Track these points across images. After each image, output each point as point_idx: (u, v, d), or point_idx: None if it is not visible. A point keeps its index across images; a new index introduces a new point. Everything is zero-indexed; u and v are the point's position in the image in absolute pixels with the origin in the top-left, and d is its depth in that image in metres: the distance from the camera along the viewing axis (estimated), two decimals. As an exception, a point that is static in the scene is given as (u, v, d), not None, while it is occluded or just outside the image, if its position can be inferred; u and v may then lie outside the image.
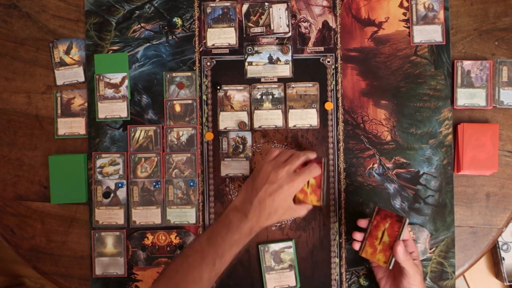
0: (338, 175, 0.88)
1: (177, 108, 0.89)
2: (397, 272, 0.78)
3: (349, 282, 0.87)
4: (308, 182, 0.79)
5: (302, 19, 0.90)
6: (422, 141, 0.88)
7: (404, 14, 0.89)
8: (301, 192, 0.79)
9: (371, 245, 0.79)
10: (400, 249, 0.74)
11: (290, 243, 0.87)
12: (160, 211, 0.88)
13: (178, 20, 0.90)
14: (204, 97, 0.89)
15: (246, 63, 0.89)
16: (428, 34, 0.89)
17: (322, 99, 0.89)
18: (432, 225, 0.87)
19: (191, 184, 0.88)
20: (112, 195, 0.88)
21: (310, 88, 0.89)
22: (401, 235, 0.76)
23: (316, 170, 0.78)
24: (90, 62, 0.90)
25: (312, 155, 0.80)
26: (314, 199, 0.80)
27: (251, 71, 0.89)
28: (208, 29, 0.90)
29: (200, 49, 0.90)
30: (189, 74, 0.89)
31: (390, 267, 0.76)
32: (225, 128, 0.89)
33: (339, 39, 0.89)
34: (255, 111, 0.89)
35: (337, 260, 0.87)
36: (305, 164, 0.79)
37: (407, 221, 0.76)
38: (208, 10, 0.90)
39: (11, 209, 0.89)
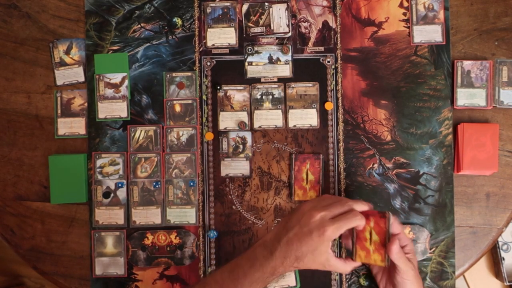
0: (338, 175, 0.88)
1: (177, 108, 0.89)
2: (391, 267, 0.76)
3: (349, 282, 0.87)
4: (371, 238, 0.73)
5: (302, 19, 0.90)
6: (422, 141, 0.88)
7: (404, 14, 0.89)
8: (362, 249, 0.75)
9: (363, 248, 0.75)
10: (394, 248, 0.71)
11: (290, 243, 0.87)
12: (160, 211, 0.88)
13: (178, 20, 0.90)
14: (204, 97, 0.89)
15: (246, 63, 0.89)
16: (428, 34, 0.89)
17: (322, 99, 0.89)
18: (432, 225, 0.87)
19: (191, 184, 0.88)
20: (112, 195, 0.88)
21: (310, 88, 0.89)
22: (389, 230, 0.73)
23: (356, 220, 0.71)
24: (90, 62, 0.90)
25: (363, 207, 0.73)
26: (378, 259, 0.74)
27: (251, 71, 0.89)
28: (208, 29, 0.90)
29: (200, 49, 0.90)
30: (189, 74, 0.89)
31: (388, 264, 0.74)
32: (225, 128, 0.89)
33: (339, 39, 0.89)
34: (255, 111, 0.89)
35: (337, 260, 0.87)
36: None
37: (390, 215, 0.73)
38: (208, 10, 0.90)
39: (11, 209, 0.89)
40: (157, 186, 0.88)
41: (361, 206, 0.74)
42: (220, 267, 0.76)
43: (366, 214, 0.74)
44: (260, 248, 0.73)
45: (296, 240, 0.70)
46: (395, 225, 0.74)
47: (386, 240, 0.73)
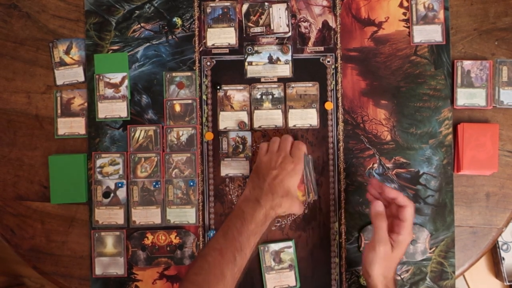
0: (338, 175, 0.88)
1: (177, 108, 0.89)
2: (398, 209, 0.77)
3: (349, 282, 0.87)
4: None
5: (302, 19, 0.90)
6: (422, 141, 0.88)
7: (404, 14, 0.89)
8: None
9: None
10: (377, 207, 0.76)
11: (290, 243, 0.87)
12: (160, 211, 0.88)
13: (178, 20, 0.90)
14: (204, 97, 0.89)
15: (246, 63, 0.89)
16: (428, 34, 0.89)
17: (322, 99, 0.89)
18: (432, 225, 0.87)
19: (191, 184, 0.88)
20: (112, 195, 0.88)
21: (310, 88, 0.89)
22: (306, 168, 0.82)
23: (301, 144, 0.81)
24: (90, 62, 0.90)
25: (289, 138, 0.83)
26: (299, 194, 0.83)
27: (251, 71, 0.89)
28: (208, 29, 0.90)
29: (200, 49, 0.90)
30: (189, 74, 0.89)
31: (309, 199, 0.85)
32: (225, 128, 0.89)
33: (339, 39, 0.89)
34: (255, 111, 0.89)
35: (337, 260, 0.87)
36: None
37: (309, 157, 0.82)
38: (208, 10, 0.90)
39: (11, 209, 0.89)
40: (157, 186, 0.88)
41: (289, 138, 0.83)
42: (213, 236, 0.78)
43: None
44: (244, 203, 0.76)
45: (275, 180, 0.77)
46: (387, 188, 0.78)
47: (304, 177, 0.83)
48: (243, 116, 0.89)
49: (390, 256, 0.75)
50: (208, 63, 0.90)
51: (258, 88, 0.89)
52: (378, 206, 0.76)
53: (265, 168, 0.79)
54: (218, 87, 0.89)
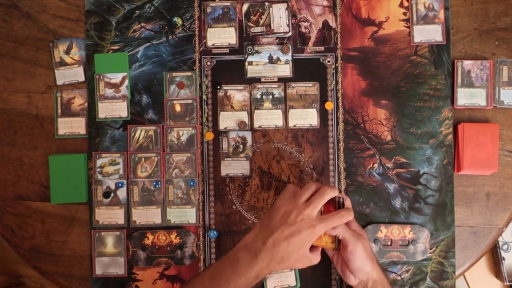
0: (338, 175, 0.88)
1: (177, 108, 0.89)
2: (342, 246, 0.76)
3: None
4: None
5: (302, 19, 0.90)
6: (422, 141, 0.88)
7: (404, 13, 0.89)
8: None
9: None
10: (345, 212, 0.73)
11: (290, 243, 0.87)
12: (160, 211, 0.88)
13: (178, 20, 0.90)
14: (204, 97, 0.89)
15: (246, 63, 0.89)
16: (428, 34, 0.89)
17: (322, 99, 0.89)
18: (432, 225, 0.87)
19: (191, 184, 0.88)
20: (112, 195, 0.88)
21: (310, 88, 0.89)
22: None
23: (345, 216, 0.72)
24: (90, 62, 0.90)
25: (335, 192, 0.74)
26: (328, 241, 0.75)
27: (251, 71, 0.89)
28: (208, 29, 0.90)
29: (200, 49, 0.90)
30: (189, 74, 0.89)
31: (338, 247, 0.75)
32: (225, 128, 0.89)
33: (339, 39, 0.89)
34: (255, 111, 0.89)
35: (337, 260, 0.87)
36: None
37: (341, 199, 0.75)
38: (208, 10, 0.90)
39: (11, 209, 0.89)
40: (157, 186, 0.88)
41: (334, 192, 0.74)
42: (200, 273, 0.74)
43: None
44: (242, 251, 0.70)
45: (283, 239, 0.68)
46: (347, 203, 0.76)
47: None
48: (243, 116, 0.89)
49: (368, 251, 0.76)
50: (208, 63, 0.90)
51: (258, 88, 0.89)
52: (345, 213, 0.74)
53: (281, 217, 0.70)
54: (218, 87, 0.89)
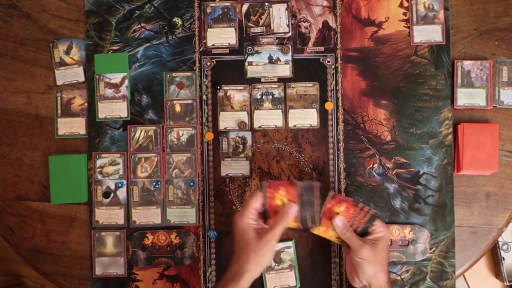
0: (338, 175, 0.88)
1: (177, 108, 0.89)
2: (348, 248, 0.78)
3: (349, 283, 0.87)
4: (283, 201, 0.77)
5: (302, 19, 0.90)
6: (422, 141, 0.88)
7: (404, 14, 0.89)
8: (324, 225, 0.78)
9: (325, 223, 0.78)
10: (338, 222, 0.76)
11: (290, 243, 0.87)
12: (160, 211, 0.88)
13: (178, 20, 0.90)
14: (204, 97, 0.89)
15: (246, 63, 0.89)
16: (428, 34, 0.89)
17: (322, 99, 0.89)
18: (432, 225, 0.87)
19: (191, 184, 0.88)
20: (112, 195, 0.88)
21: (310, 88, 0.89)
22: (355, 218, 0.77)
23: (286, 216, 0.75)
24: (90, 62, 0.90)
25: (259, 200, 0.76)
26: (333, 235, 0.79)
27: (251, 71, 0.89)
28: (208, 29, 0.90)
29: (200, 49, 0.90)
30: (189, 74, 0.89)
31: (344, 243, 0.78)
32: (225, 128, 0.89)
33: (339, 39, 0.89)
34: (255, 111, 0.89)
35: (337, 260, 0.87)
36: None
37: (362, 206, 0.77)
38: (208, 10, 0.90)
39: (11, 209, 0.89)
40: (157, 186, 0.88)
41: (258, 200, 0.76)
42: None
43: (339, 199, 0.78)
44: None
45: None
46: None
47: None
48: (243, 116, 0.89)
49: (374, 257, 0.75)
50: (208, 63, 0.90)
51: (258, 88, 0.89)
52: (338, 220, 0.77)
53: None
54: (218, 87, 0.89)
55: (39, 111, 0.90)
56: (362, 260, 0.75)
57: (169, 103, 0.89)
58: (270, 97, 0.89)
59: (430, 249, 0.87)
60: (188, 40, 0.90)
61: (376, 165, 0.88)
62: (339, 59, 0.89)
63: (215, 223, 0.88)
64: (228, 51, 0.90)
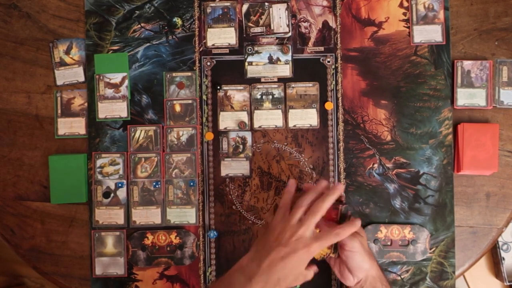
0: (338, 175, 0.88)
1: (177, 108, 0.89)
2: (339, 245, 0.75)
3: (349, 282, 0.87)
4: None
5: (302, 19, 0.90)
6: (422, 141, 0.88)
7: (404, 14, 0.89)
8: None
9: None
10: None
11: (290, 243, 0.87)
12: (160, 211, 0.88)
13: (178, 20, 0.90)
14: (204, 97, 0.89)
15: (246, 63, 0.89)
16: (428, 34, 0.89)
17: (322, 99, 0.89)
18: (432, 225, 0.87)
19: (191, 184, 0.88)
20: (112, 195, 0.88)
21: (310, 88, 0.89)
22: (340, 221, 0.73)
23: (340, 234, 0.69)
24: (90, 62, 0.90)
25: (331, 200, 0.71)
26: (325, 249, 0.74)
27: (251, 71, 0.89)
28: (208, 29, 0.90)
29: (200, 49, 0.90)
30: (189, 74, 0.89)
31: (335, 254, 0.74)
32: (225, 128, 0.89)
33: (339, 39, 0.89)
34: (255, 111, 0.89)
35: (337, 260, 0.87)
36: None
37: (344, 207, 0.73)
38: (208, 10, 0.90)
39: (11, 209, 0.89)
40: (157, 186, 0.88)
41: (329, 202, 0.71)
42: None
43: None
44: (237, 274, 0.68)
45: (279, 260, 0.67)
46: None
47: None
48: (243, 116, 0.89)
49: (364, 248, 0.75)
50: (208, 63, 0.90)
51: (258, 88, 0.89)
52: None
53: (274, 239, 0.68)
54: (218, 87, 0.89)
55: (39, 111, 0.90)
56: (356, 253, 0.74)
57: (169, 103, 0.89)
58: (270, 97, 0.89)
59: (430, 249, 0.87)
60: (188, 40, 0.90)
61: (376, 165, 0.88)
62: (339, 59, 0.89)
63: (215, 223, 0.88)
64: (228, 51, 0.90)
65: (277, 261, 0.67)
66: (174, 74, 0.89)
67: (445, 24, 0.89)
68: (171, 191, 0.88)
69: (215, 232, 0.87)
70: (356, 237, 0.75)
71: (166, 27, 0.90)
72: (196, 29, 0.90)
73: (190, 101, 0.89)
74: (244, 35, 0.90)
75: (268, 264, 0.67)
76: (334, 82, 0.89)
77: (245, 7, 0.89)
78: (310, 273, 0.72)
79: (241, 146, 0.89)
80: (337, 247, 0.74)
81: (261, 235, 0.73)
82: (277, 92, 0.89)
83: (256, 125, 0.89)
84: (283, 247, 0.67)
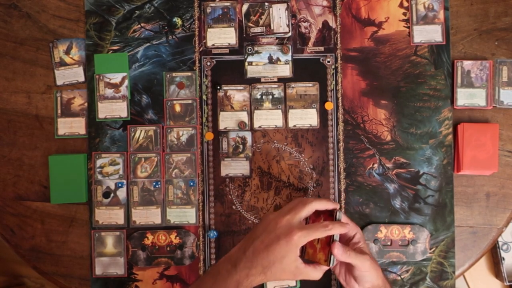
0: (338, 175, 0.88)
1: (177, 108, 0.89)
2: (346, 263, 0.73)
3: (349, 282, 0.87)
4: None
5: (302, 19, 0.90)
6: (422, 141, 0.88)
7: (404, 14, 0.89)
8: (311, 247, 0.71)
9: (311, 246, 0.71)
10: (337, 251, 0.68)
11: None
12: (160, 211, 0.88)
13: (178, 20, 0.90)
14: (204, 97, 0.89)
15: (246, 63, 0.89)
16: (428, 34, 0.89)
17: (322, 99, 0.89)
18: (432, 225, 0.87)
19: (191, 184, 0.88)
20: (112, 195, 0.88)
21: (310, 88, 0.89)
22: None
23: (332, 229, 0.67)
24: (90, 62, 0.90)
25: (325, 205, 0.70)
26: (321, 258, 0.70)
27: (251, 71, 0.89)
28: (208, 29, 0.90)
29: (200, 49, 0.90)
30: (189, 74, 0.89)
31: (332, 265, 0.70)
32: (225, 128, 0.89)
33: (339, 39, 0.89)
34: (255, 111, 0.89)
35: (337, 260, 0.87)
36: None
37: (339, 213, 0.71)
38: (208, 10, 0.90)
39: (11, 209, 0.89)
40: (157, 186, 0.88)
41: (324, 204, 0.70)
42: (189, 286, 0.73)
43: (317, 213, 0.72)
44: (223, 263, 0.68)
45: (263, 248, 0.66)
46: (343, 218, 0.72)
47: (331, 239, 0.69)
48: (243, 116, 0.89)
49: (374, 262, 0.73)
50: (208, 63, 0.90)
51: (258, 88, 0.89)
52: (336, 249, 0.68)
53: (262, 226, 0.68)
54: (218, 87, 0.89)
55: (39, 111, 0.90)
56: (366, 272, 0.72)
57: (169, 103, 0.89)
58: (270, 97, 0.89)
59: (430, 249, 0.87)
60: (188, 40, 0.90)
61: (376, 165, 0.88)
62: (339, 59, 0.89)
63: (215, 223, 0.88)
64: (228, 51, 0.90)
65: (260, 249, 0.66)
66: (174, 74, 0.89)
67: (445, 24, 0.89)
68: (171, 191, 0.88)
69: (215, 232, 0.87)
70: (365, 256, 0.71)
71: (166, 27, 0.90)
72: (196, 29, 0.90)
73: (190, 101, 0.89)
74: (244, 35, 0.90)
75: (252, 251, 0.66)
76: (334, 82, 0.89)
77: (245, 7, 0.89)
78: (314, 272, 0.69)
79: (241, 146, 0.89)
80: (332, 259, 0.70)
81: (253, 228, 0.72)
82: (277, 92, 0.89)
83: (256, 125, 0.89)
84: (267, 234, 0.66)
